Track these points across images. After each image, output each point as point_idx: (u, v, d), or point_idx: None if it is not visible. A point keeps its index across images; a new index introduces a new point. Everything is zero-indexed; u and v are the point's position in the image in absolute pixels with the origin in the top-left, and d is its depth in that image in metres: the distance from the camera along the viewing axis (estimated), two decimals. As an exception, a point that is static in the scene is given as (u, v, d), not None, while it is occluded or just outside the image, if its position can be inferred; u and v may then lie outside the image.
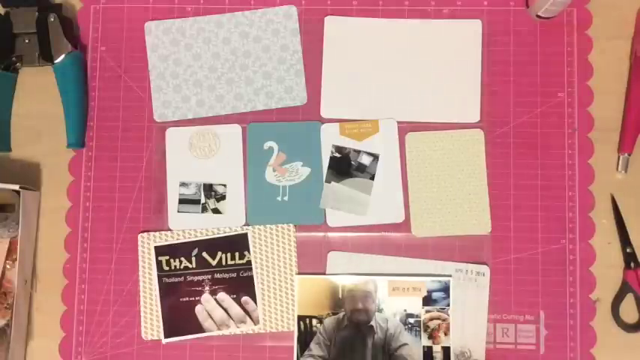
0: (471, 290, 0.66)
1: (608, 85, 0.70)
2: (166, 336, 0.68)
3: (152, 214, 0.70)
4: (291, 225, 0.69)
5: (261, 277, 0.68)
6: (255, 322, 0.68)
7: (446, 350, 0.65)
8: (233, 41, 0.71)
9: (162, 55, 0.71)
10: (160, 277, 0.68)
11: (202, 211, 0.69)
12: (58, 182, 0.71)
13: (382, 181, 0.69)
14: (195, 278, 0.68)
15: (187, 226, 0.69)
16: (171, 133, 0.70)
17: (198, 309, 0.68)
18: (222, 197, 0.69)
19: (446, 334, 0.65)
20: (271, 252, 0.69)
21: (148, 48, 0.71)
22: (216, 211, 0.69)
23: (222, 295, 0.68)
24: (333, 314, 0.66)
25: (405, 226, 0.68)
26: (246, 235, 0.69)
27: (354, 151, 0.69)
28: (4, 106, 0.71)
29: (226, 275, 0.68)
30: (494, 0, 0.71)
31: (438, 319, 0.65)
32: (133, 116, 0.71)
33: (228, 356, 0.68)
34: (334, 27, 0.71)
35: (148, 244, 0.69)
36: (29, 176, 0.71)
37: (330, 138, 0.69)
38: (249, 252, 0.69)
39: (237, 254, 0.69)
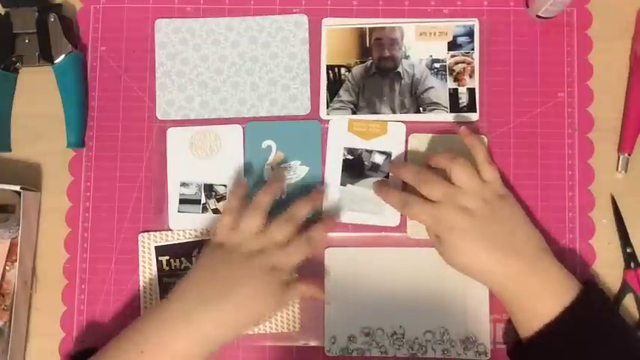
0: (468, 282, 0.64)
1: (608, 85, 0.70)
2: (166, 336, 0.68)
3: (152, 214, 0.70)
4: (292, 225, 0.69)
5: (262, 277, 0.68)
6: (256, 322, 0.68)
7: (471, 91, 0.68)
8: (242, 45, 0.70)
9: (171, 53, 0.71)
10: (160, 277, 0.68)
11: (203, 212, 0.69)
12: (58, 182, 0.70)
13: (382, 182, 0.68)
14: (196, 278, 0.68)
15: (188, 226, 0.69)
16: (171, 133, 0.70)
17: (198, 309, 0.68)
18: (223, 197, 0.69)
19: (471, 77, 0.68)
20: (271, 252, 0.68)
21: (157, 45, 0.71)
22: (216, 211, 0.69)
23: (222, 295, 0.68)
24: (361, 62, 0.69)
25: (403, 227, 0.68)
26: (246, 235, 0.69)
27: (366, 151, 0.69)
28: (4, 106, 0.71)
29: (226, 275, 0.68)
30: (494, 0, 0.71)
31: (463, 62, 0.68)
32: (133, 116, 0.71)
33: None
34: (333, 27, 0.70)
35: (148, 244, 0.69)
36: (29, 176, 0.70)
37: (338, 133, 0.69)
38: (249, 252, 0.68)
39: (237, 254, 0.68)
